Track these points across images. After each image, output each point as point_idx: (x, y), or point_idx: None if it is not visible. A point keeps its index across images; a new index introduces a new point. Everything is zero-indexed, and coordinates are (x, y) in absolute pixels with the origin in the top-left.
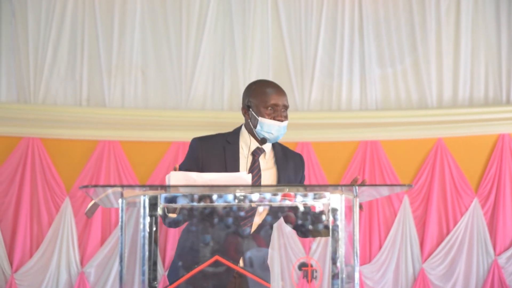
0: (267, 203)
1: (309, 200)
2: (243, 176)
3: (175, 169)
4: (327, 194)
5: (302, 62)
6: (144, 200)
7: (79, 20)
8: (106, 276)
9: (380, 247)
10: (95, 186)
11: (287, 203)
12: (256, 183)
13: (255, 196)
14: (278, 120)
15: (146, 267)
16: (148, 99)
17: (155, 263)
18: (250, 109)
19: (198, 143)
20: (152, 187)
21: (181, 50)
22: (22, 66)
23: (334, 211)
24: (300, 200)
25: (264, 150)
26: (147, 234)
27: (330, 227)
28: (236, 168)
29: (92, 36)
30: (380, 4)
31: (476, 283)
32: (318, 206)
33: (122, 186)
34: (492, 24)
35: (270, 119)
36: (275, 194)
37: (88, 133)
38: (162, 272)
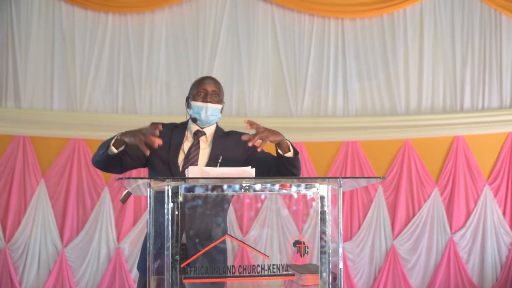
0: (267, 191)
1: (302, 190)
2: (248, 170)
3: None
4: (316, 184)
5: (296, 76)
6: (168, 189)
7: (116, 43)
8: (137, 251)
9: (359, 227)
10: (128, 178)
11: (284, 191)
12: (193, 158)
13: (257, 186)
14: (205, 102)
15: (169, 244)
16: (171, 107)
17: (177, 241)
18: (189, 100)
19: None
20: (174, 179)
21: (198, 67)
22: (70, 81)
23: (322, 198)
24: (294, 189)
25: (204, 133)
26: (170, 217)
27: (319, 211)
28: (179, 148)
29: (126, 57)
30: (359, 31)
31: (436, 255)
32: (309, 194)
33: (150, 178)
34: (448, 48)
35: (199, 102)
36: (273, 184)
37: None
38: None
